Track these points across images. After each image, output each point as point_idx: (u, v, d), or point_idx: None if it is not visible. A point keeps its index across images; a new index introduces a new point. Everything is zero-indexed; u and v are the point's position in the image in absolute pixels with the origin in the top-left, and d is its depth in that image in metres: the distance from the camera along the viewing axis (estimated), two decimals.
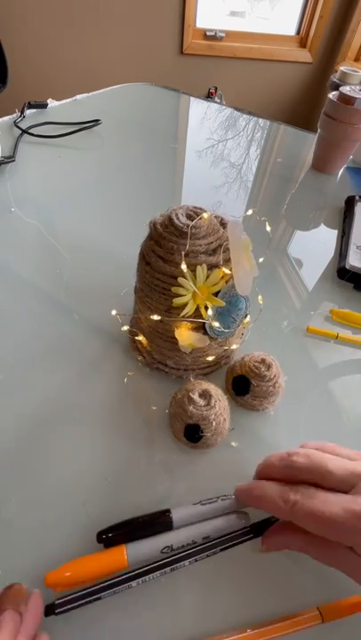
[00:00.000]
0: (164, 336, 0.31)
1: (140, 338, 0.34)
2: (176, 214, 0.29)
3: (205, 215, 0.28)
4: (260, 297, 0.34)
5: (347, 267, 0.47)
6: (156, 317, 0.30)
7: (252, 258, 0.30)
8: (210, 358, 0.33)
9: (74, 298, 0.42)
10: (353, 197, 0.59)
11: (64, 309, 0.41)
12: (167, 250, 0.28)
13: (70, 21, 1.78)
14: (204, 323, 0.29)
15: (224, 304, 0.29)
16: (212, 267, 0.28)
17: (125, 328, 0.36)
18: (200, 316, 0.29)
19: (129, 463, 0.30)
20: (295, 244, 0.55)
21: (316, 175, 0.69)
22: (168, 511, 0.25)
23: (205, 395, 0.29)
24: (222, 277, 0.28)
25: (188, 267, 0.27)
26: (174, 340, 0.30)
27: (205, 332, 0.30)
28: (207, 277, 0.28)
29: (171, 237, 0.28)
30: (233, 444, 0.31)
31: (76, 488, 0.28)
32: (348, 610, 0.23)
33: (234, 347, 0.34)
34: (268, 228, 0.35)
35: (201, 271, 0.27)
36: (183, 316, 0.28)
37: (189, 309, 0.28)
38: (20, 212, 0.53)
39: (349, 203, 0.59)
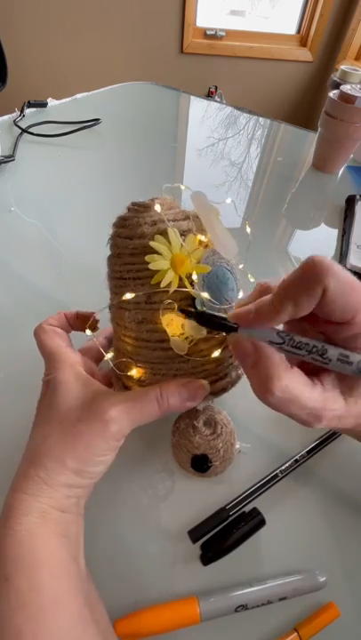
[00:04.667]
0: (152, 343, 0.25)
1: (134, 372, 0.27)
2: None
3: (166, 195, 0.26)
4: (249, 275, 0.30)
5: (347, 266, 0.47)
6: (129, 295, 0.25)
7: (226, 229, 0.26)
8: (216, 353, 0.26)
9: (74, 298, 0.42)
10: (353, 196, 0.59)
11: (64, 309, 0.41)
12: (133, 226, 0.25)
13: (70, 20, 1.77)
14: (195, 308, 0.24)
15: (209, 268, 0.25)
16: (184, 232, 0.25)
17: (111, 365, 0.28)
18: (188, 298, 0.25)
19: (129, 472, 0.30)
20: (296, 244, 0.54)
21: (316, 174, 0.69)
22: (255, 510, 0.26)
23: (210, 422, 0.28)
24: (199, 244, 0.25)
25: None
26: (165, 345, 0.25)
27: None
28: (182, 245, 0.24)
29: (135, 214, 0.25)
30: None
31: None
32: (322, 622, 0.23)
33: None
34: (249, 230, 0.31)
35: (173, 234, 0.24)
36: (166, 291, 0.24)
37: (170, 278, 0.24)
38: (19, 212, 0.53)
39: (350, 202, 0.59)
